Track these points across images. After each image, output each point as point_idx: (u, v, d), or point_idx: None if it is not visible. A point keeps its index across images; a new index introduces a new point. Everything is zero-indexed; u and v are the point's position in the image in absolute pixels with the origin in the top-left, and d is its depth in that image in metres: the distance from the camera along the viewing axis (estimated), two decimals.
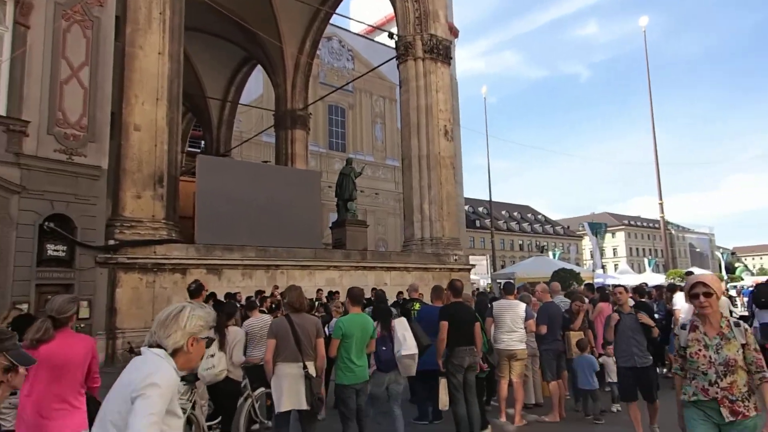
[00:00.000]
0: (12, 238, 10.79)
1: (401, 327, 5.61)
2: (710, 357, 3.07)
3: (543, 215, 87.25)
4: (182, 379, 5.25)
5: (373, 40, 55.12)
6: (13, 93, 11.03)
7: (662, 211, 29.22)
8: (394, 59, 20.18)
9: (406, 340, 5.48)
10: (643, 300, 8.47)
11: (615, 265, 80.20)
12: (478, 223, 70.42)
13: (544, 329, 6.55)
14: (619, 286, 6.85)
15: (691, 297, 3.22)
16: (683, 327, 3.36)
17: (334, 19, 33.50)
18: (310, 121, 53.49)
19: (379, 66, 29.87)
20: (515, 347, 6.41)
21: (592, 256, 29.67)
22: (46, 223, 11.24)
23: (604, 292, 8.87)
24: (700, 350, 3.12)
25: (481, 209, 72.36)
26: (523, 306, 6.54)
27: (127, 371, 2.05)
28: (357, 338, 4.97)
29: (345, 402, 4.95)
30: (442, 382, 5.60)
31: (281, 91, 26.24)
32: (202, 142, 35.60)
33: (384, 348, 5.48)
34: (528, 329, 6.49)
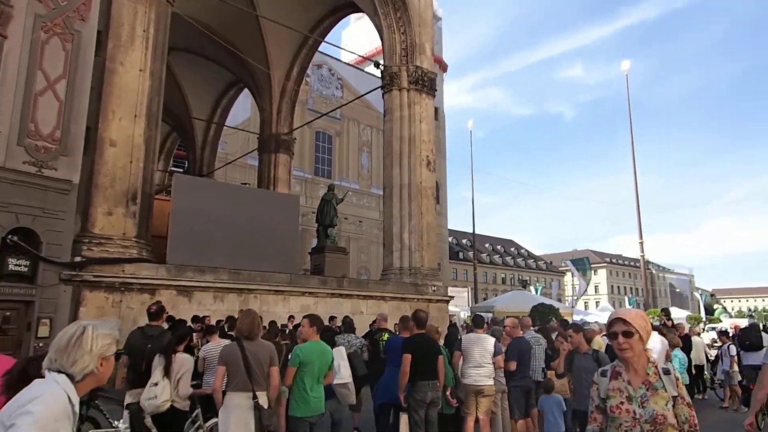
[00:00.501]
0: None
1: (338, 356, 5.64)
2: (634, 412, 2.50)
3: (526, 250, 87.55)
4: (126, 407, 4.92)
5: (362, 70, 55.86)
6: None
7: (642, 250, 29.36)
8: (380, 89, 20.29)
9: (340, 369, 5.57)
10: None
11: (597, 302, 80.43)
12: (461, 255, 70.38)
13: (513, 365, 6.34)
14: (574, 325, 6.70)
15: (609, 336, 2.67)
16: (603, 374, 2.70)
17: (325, 48, 33.90)
18: (296, 146, 53.59)
19: (365, 94, 30.15)
20: (482, 383, 6.17)
21: (573, 292, 29.57)
22: (9, 237, 10.85)
23: (577, 328, 8.70)
24: (622, 403, 2.54)
25: (464, 241, 72.44)
26: (492, 340, 6.33)
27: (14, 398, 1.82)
28: (315, 367, 4.72)
29: None
30: (403, 418, 5.34)
31: (266, 114, 26.21)
32: (186, 163, 35.33)
33: None
34: (497, 365, 6.27)
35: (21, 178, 11.07)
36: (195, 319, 11.70)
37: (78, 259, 11.80)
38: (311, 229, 29.63)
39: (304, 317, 5.12)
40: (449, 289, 40.92)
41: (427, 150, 19.28)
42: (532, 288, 41.06)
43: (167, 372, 4.60)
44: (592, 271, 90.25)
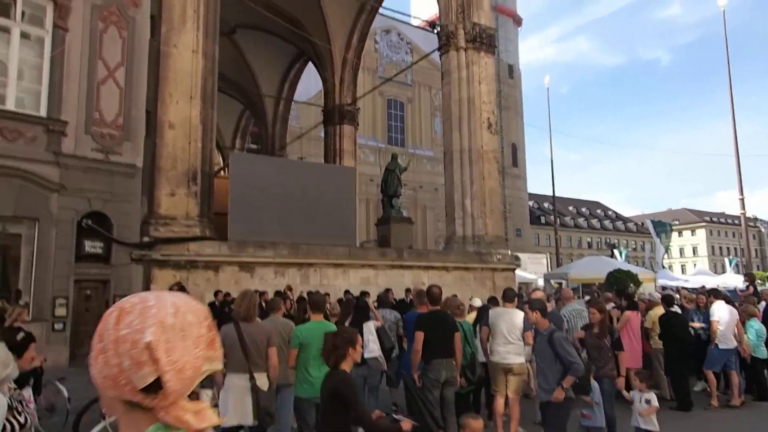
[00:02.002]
0: (52, 235, 11.32)
1: (367, 330, 6.02)
2: None
3: (614, 211, 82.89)
4: None
5: (432, 32, 54.40)
6: (52, 94, 11.54)
7: (743, 207, 26.81)
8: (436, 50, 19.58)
9: (369, 343, 5.92)
10: (671, 310, 7.57)
11: (694, 264, 75.11)
12: (543, 220, 67.98)
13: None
14: (537, 290, 6.19)
15: None
16: None
17: (396, 9, 33.21)
18: (368, 115, 53.65)
19: (425, 56, 29.32)
20: (511, 361, 5.83)
21: (654, 255, 27.59)
22: (84, 221, 11.71)
23: (632, 299, 8.03)
24: None
25: (546, 205, 69.75)
26: (521, 315, 5.94)
27: None
28: (316, 348, 4.65)
29: (302, 416, 4.65)
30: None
31: (329, 86, 26.27)
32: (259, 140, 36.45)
33: None
34: (526, 341, 5.90)
35: (90, 164, 11.84)
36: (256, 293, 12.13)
37: (146, 239, 12.54)
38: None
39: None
40: (527, 255, 39.81)
41: (488, 112, 18.45)
42: (616, 252, 38.83)
43: None
44: (689, 232, 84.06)
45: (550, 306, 7.71)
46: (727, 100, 25.83)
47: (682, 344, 7.36)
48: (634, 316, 7.87)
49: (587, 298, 8.98)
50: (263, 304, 10.51)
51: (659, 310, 7.75)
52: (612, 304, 8.39)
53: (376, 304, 8.14)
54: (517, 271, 30.25)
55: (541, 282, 28.02)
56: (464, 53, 18.42)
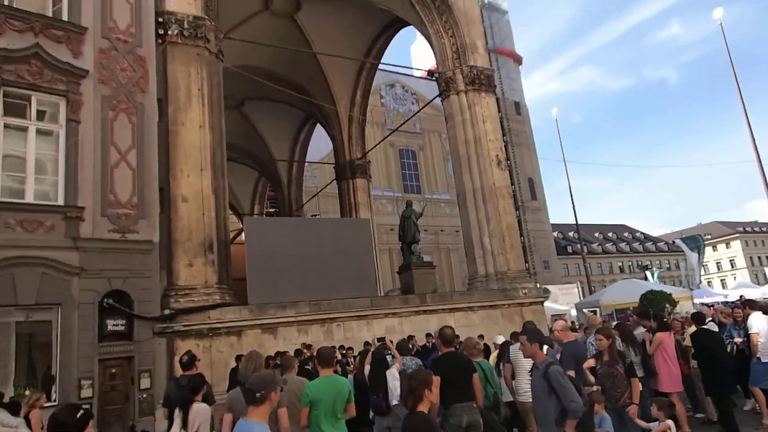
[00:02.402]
0: (75, 318, 11.47)
1: (391, 377, 6.12)
2: None
3: (641, 232, 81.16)
4: None
5: (432, 80, 55.55)
6: (69, 183, 11.97)
7: None
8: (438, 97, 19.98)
9: (396, 390, 5.96)
10: (704, 327, 7.22)
11: (734, 277, 72.39)
12: (569, 249, 66.85)
13: (571, 374, 5.66)
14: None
15: None
16: None
17: (398, 65, 34.25)
18: (382, 167, 54.35)
19: (429, 103, 29.90)
20: None
21: (689, 273, 26.54)
22: (105, 300, 11.87)
23: (662, 321, 7.69)
24: None
25: (571, 234, 68.74)
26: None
27: None
28: (327, 404, 4.52)
29: None
30: None
31: (338, 143, 26.87)
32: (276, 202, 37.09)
33: (375, 397, 6.24)
34: None
35: (108, 245, 12.11)
36: (278, 354, 12.01)
37: (167, 311, 12.63)
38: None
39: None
40: (557, 287, 38.90)
41: (496, 149, 18.57)
42: (648, 273, 37.72)
43: (185, 424, 4.64)
44: (724, 245, 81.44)
45: (579, 335, 7.43)
46: (739, 111, 25.53)
47: (717, 361, 6.97)
48: (667, 338, 7.51)
49: (614, 323, 8.63)
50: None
51: (692, 329, 7.41)
52: (642, 328, 8.04)
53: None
54: (548, 303, 29.53)
55: (573, 312, 27.24)
56: (465, 96, 18.76)
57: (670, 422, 4.62)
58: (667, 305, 18.32)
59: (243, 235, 15.62)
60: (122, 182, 12.70)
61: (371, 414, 6.50)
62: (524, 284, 17.56)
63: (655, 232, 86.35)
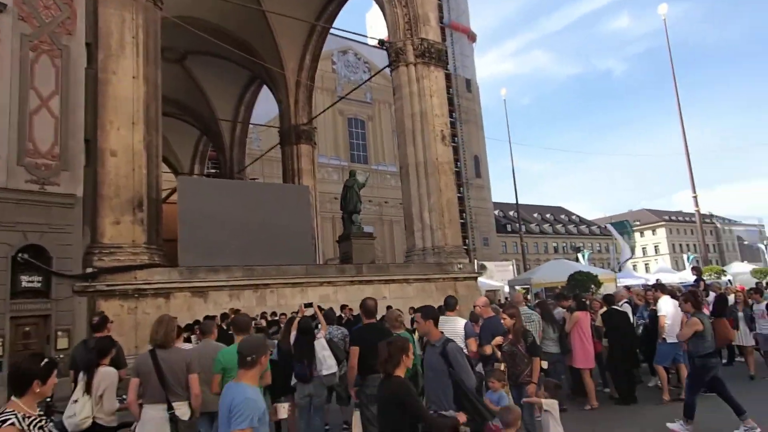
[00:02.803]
0: None
1: (320, 347, 6.09)
2: None
3: (577, 216, 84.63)
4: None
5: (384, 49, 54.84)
6: None
7: (696, 204, 27.78)
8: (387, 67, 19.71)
9: (325, 359, 6.06)
10: (614, 307, 7.61)
11: (657, 262, 76.99)
12: (509, 228, 68.87)
13: (488, 349, 5.81)
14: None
15: None
16: None
17: (351, 32, 33.44)
18: (330, 135, 53.54)
19: (378, 72, 29.53)
20: None
21: (618, 256, 27.84)
22: (20, 255, 11.16)
23: (580, 300, 8.03)
24: None
25: (511, 213, 70.76)
26: (462, 322, 5.85)
27: None
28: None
29: None
30: (356, 415, 4.97)
31: (284, 107, 26.15)
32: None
33: (299, 364, 6.19)
34: (469, 349, 5.77)
35: (24, 196, 11.33)
36: (206, 317, 11.73)
37: (89, 270, 12.04)
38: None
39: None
40: (494, 263, 40.05)
41: (441, 124, 18.59)
42: (579, 255, 39.48)
43: (88, 388, 4.42)
44: (650, 231, 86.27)
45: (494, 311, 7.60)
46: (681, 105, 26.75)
47: (624, 339, 7.38)
48: (584, 317, 7.86)
49: (537, 301, 8.97)
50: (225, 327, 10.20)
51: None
52: (561, 308, 8.37)
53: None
54: (484, 279, 30.40)
55: (506, 288, 28.20)
56: (414, 68, 18.57)
57: (546, 401, 4.74)
58: (593, 286, 19.22)
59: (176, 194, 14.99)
60: (42, 130, 11.84)
61: (293, 381, 6.45)
62: (460, 259, 17.91)
63: (590, 216, 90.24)
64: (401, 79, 18.69)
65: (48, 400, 5.40)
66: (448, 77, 60.79)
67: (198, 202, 14.16)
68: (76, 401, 4.39)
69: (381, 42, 20.21)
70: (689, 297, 6.44)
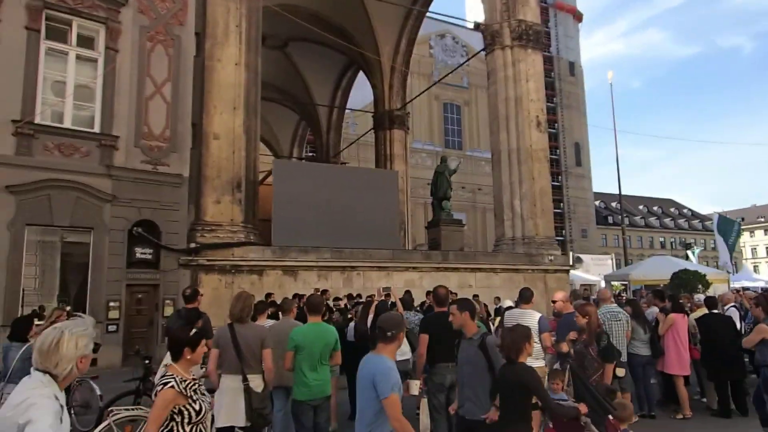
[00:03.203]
0: (105, 243, 12.00)
1: None
2: None
3: (689, 209, 78.02)
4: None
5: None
6: (105, 111, 12.25)
7: None
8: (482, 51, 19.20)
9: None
10: (714, 311, 6.92)
11: None
12: (610, 219, 65.09)
13: (565, 347, 5.56)
14: (460, 300, 5.31)
15: None
16: None
17: (449, 15, 33.05)
18: (424, 120, 53.30)
19: (474, 56, 28.78)
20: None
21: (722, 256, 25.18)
22: (135, 229, 12.32)
23: (677, 301, 7.42)
24: None
25: (614, 204, 66.75)
26: (537, 316, 5.63)
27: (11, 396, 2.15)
28: (311, 350, 4.59)
29: (299, 419, 4.59)
30: (423, 402, 4.99)
31: (378, 92, 26.41)
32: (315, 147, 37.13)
33: None
34: (543, 343, 5.56)
35: (140, 176, 12.46)
36: (295, 297, 12.29)
37: (192, 245, 13.02)
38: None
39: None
40: (591, 257, 38.09)
41: (537, 110, 17.86)
42: (690, 252, 36.43)
43: None
44: (760, 231, 77.46)
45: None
46: None
47: (721, 347, 6.73)
48: (681, 320, 7.26)
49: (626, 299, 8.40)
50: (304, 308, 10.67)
51: (701, 313, 7.12)
52: (655, 308, 7.79)
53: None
54: (579, 273, 29.08)
55: (602, 284, 26.76)
56: (510, 51, 17.97)
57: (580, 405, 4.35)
58: (700, 286, 17.72)
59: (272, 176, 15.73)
60: (156, 115, 12.89)
61: None
62: (551, 251, 17.24)
63: (705, 210, 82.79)
64: (496, 63, 18.15)
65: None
66: (549, 60, 58.24)
67: (291, 185, 14.78)
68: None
69: (477, 25, 19.68)
70: (761, 301, 5.73)
